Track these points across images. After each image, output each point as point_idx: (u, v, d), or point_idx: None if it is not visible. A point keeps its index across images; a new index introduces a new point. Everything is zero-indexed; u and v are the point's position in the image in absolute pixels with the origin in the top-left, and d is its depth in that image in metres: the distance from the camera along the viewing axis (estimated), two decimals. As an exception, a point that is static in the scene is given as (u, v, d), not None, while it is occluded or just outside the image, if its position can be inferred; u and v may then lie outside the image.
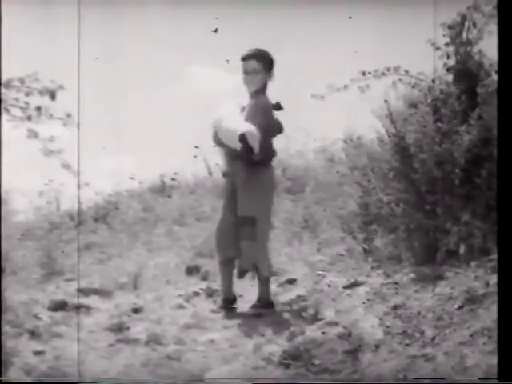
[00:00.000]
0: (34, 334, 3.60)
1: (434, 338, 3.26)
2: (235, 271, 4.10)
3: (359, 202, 4.70)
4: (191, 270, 5.07)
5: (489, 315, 3.25)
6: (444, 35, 4.32)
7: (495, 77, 4.20)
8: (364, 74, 4.47)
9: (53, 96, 4.20)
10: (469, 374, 2.93)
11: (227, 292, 4.12)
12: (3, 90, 4.00)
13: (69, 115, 4.25)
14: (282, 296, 4.26)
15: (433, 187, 4.17)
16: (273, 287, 4.25)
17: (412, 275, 4.04)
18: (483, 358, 2.97)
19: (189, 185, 7.35)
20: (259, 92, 4.05)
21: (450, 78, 4.35)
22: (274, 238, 5.43)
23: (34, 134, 4.26)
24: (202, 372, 3.20)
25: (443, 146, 4.14)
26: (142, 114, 5.44)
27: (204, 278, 4.84)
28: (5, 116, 4.07)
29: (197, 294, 4.47)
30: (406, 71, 4.43)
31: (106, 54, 4.72)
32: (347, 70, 4.54)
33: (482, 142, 4.08)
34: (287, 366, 3.17)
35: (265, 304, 4.03)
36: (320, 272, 4.63)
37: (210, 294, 4.41)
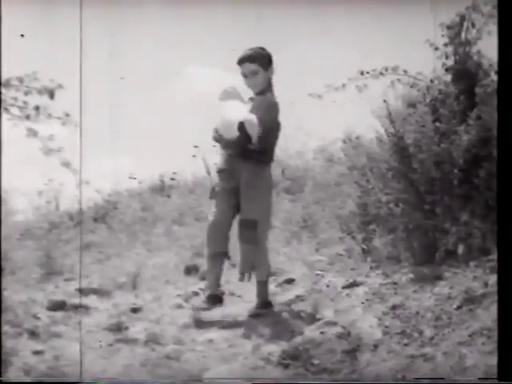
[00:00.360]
0: (33, 334, 3.60)
1: (432, 338, 3.26)
2: (224, 268, 4.02)
3: (358, 201, 4.71)
4: (190, 270, 5.07)
5: (488, 315, 3.25)
6: (443, 35, 4.33)
7: (494, 77, 4.20)
8: (362, 73, 4.47)
9: (52, 95, 4.20)
10: (468, 374, 2.94)
11: (213, 288, 3.96)
12: (2, 90, 4.00)
13: (67, 115, 4.26)
14: (281, 296, 4.26)
15: (432, 187, 4.17)
16: (271, 287, 4.25)
17: (411, 275, 4.05)
18: (482, 358, 2.97)
19: (188, 185, 7.34)
20: (265, 90, 3.98)
21: (448, 78, 4.36)
22: (273, 238, 5.44)
23: (33, 133, 4.26)
24: (200, 372, 3.20)
25: (442, 145, 4.14)
26: (142, 113, 5.44)
27: (203, 278, 4.82)
28: (4, 115, 4.07)
29: (196, 293, 4.47)
30: (405, 71, 4.44)
31: (106, 54, 4.72)
32: (345, 69, 4.55)
33: (481, 142, 4.08)
34: (286, 366, 3.18)
35: (263, 305, 3.98)
36: (319, 272, 4.63)
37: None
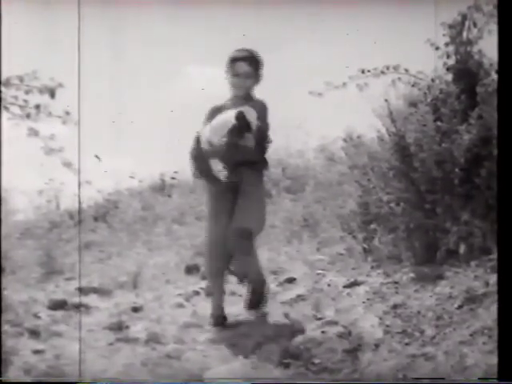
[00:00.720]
0: (33, 333, 3.60)
1: (433, 338, 3.26)
2: (226, 283, 3.91)
3: (359, 201, 4.70)
4: (191, 269, 5.07)
5: (489, 315, 3.25)
6: (444, 35, 4.32)
7: (495, 76, 4.20)
8: (363, 72, 4.47)
9: (52, 94, 4.20)
10: (468, 373, 2.93)
11: (218, 308, 3.84)
12: (2, 89, 4.00)
13: (68, 113, 4.26)
14: (282, 295, 4.25)
15: (433, 186, 4.17)
16: (272, 286, 4.25)
17: (412, 274, 4.04)
18: (483, 357, 2.97)
19: (189, 184, 7.33)
20: (249, 95, 3.85)
21: (449, 77, 4.35)
22: (274, 237, 5.44)
23: (34, 133, 4.26)
24: (201, 371, 3.19)
25: (443, 145, 4.14)
26: (142, 112, 5.44)
27: (204, 277, 4.82)
28: (5, 114, 4.07)
29: (196, 293, 4.47)
30: (406, 70, 4.44)
31: (106, 53, 4.72)
32: (346, 68, 4.54)
33: (482, 141, 4.08)
34: (287, 366, 3.17)
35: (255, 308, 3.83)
36: (320, 271, 4.63)
37: (209, 293, 4.39)
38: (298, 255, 5.11)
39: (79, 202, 5.94)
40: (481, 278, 3.66)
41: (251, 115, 3.65)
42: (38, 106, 4.23)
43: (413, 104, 4.43)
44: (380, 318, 3.57)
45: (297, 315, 3.85)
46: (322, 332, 3.48)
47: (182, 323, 3.85)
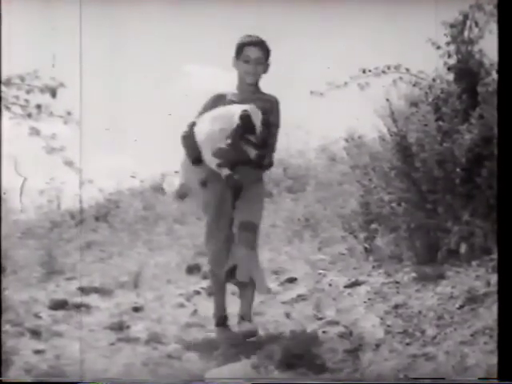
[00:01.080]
0: (34, 333, 3.60)
1: (434, 338, 3.26)
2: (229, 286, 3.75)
3: (360, 201, 4.70)
4: (192, 269, 5.07)
5: (490, 314, 3.25)
6: (445, 34, 4.31)
7: (495, 76, 4.20)
8: (364, 71, 4.46)
9: (53, 94, 4.20)
10: (469, 373, 2.93)
11: (221, 309, 3.72)
12: (3, 88, 4.00)
13: (69, 113, 4.26)
14: (283, 295, 4.25)
15: (434, 186, 4.16)
16: (273, 286, 4.25)
17: (413, 274, 4.04)
18: (484, 357, 2.97)
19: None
20: (257, 87, 3.69)
21: (450, 76, 4.35)
22: (275, 237, 5.44)
23: (36, 132, 4.26)
24: (202, 371, 3.19)
25: (444, 145, 4.13)
26: (143, 112, 5.44)
27: (205, 277, 4.82)
28: (6, 114, 4.07)
29: (198, 292, 4.47)
30: (407, 69, 4.43)
31: (107, 52, 4.72)
32: (347, 67, 4.53)
33: (483, 141, 4.08)
34: (288, 366, 3.17)
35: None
36: (321, 271, 4.63)
37: (210, 292, 4.38)
38: (299, 255, 5.10)
39: (80, 202, 5.94)
40: (482, 277, 3.65)
41: (256, 116, 3.47)
42: (39, 106, 4.23)
43: (414, 104, 4.42)
44: (381, 318, 3.57)
45: (298, 315, 3.86)
46: (323, 332, 3.48)
47: (184, 323, 3.85)
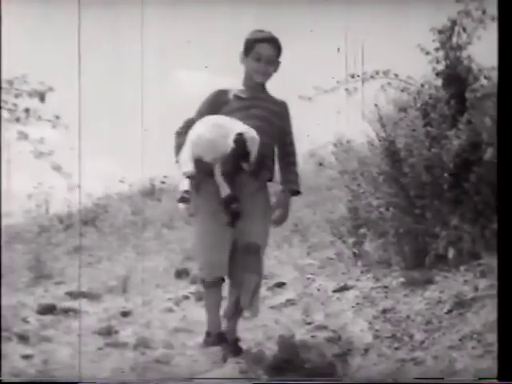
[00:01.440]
0: (22, 338, 3.58)
1: (423, 342, 3.26)
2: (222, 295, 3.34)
3: (349, 206, 4.72)
4: (180, 274, 5.06)
5: (478, 319, 3.26)
6: (434, 40, 4.33)
7: (484, 81, 4.23)
8: (353, 76, 4.48)
9: (42, 98, 4.19)
10: (457, 377, 2.94)
11: (215, 324, 3.29)
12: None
13: (57, 117, 4.25)
14: (271, 300, 4.25)
15: (422, 191, 4.18)
16: (262, 291, 4.24)
17: (401, 279, 4.05)
18: (472, 361, 2.98)
19: (178, 188, 7.32)
20: (265, 89, 3.35)
21: (439, 82, 4.37)
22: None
23: (24, 136, 4.25)
24: (191, 376, 3.18)
25: (432, 150, 4.15)
26: (134, 115, 5.43)
27: (193, 282, 4.82)
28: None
29: (186, 297, 4.46)
30: (396, 75, 4.44)
31: (104, 55, 4.71)
32: (336, 72, 4.54)
33: (471, 146, 4.09)
34: (277, 370, 3.16)
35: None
36: (309, 276, 4.64)
37: (199, 297, 4.38)
38: (287, 259, 5.11)
39: (70, 206, 5.93)
40: (470, 282, 3.67)
41: (252, 142, 3.10)
42: (27, 110, 4.22)
43: (402, 109, 4.44)
44: (369, 323, 3.57)
45: (286, 320, 3.85)
46: (312, 336, 3.47)
47: (172, 328, 3.84)
